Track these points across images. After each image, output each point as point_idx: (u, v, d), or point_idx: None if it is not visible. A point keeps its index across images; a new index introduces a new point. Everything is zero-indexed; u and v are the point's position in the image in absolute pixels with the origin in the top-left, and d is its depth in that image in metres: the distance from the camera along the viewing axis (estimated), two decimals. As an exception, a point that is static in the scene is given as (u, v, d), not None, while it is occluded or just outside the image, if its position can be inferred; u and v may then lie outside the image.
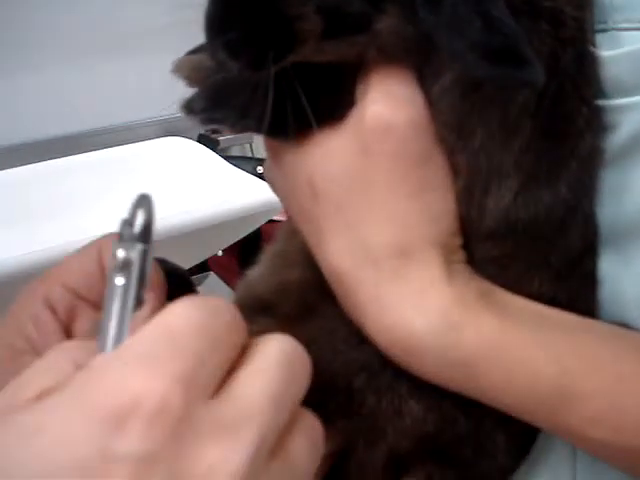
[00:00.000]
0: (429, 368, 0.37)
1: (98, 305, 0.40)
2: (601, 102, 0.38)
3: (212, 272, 1.36)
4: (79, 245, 0.86)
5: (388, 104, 0.36)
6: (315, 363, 0.39)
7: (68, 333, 0.40)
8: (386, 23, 0.34)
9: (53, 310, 0.40)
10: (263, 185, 1.00)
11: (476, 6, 0.31)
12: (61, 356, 0.29)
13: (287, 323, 0.43)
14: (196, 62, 0.42)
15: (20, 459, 0.25)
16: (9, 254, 0.83)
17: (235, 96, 0.37)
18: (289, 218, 0.49)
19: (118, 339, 0.28)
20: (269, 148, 0.41)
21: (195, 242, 0.92)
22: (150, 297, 0.31)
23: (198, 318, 0.27)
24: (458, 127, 0.37)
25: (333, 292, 0.41)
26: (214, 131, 1.59)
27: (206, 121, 0.38)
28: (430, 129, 0.37)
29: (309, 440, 0.28)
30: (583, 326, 0.38)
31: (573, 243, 0.40)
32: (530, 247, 0.39)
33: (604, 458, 0.39)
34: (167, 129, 1.56)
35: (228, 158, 1.35)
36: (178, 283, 0.45)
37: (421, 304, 0.36)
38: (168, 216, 0.90)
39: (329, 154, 0.37)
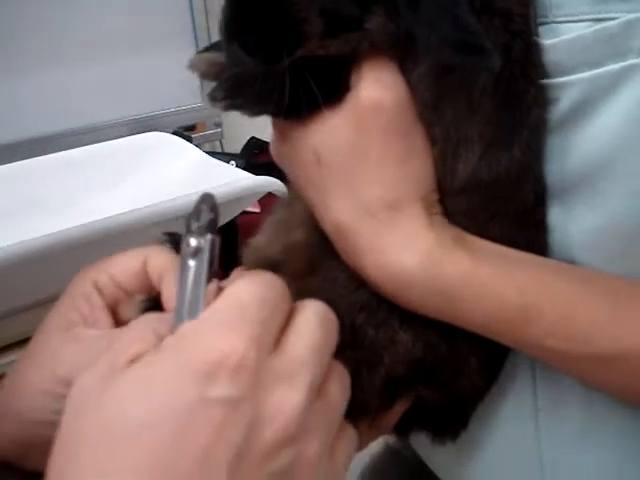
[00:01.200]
0: (417, 299, 0.46)
1: (134, 297, 0.47)
2: (545, 81, 0.46)
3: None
4: (72, 234, 0.90)
5: (378, 88, 0.44)
6: None
7: (112, 312, 0.47)
8: (374, 23, 0.42)
9: (100, 292, 0.47)
10: (242, 175, 1.07)
11: (446, 9, 0.40)
12: (144, 327, 0.36)
13: (295, 278, 0.50)
14: (209, 59, 0.50)
15: (135, 407, 0.31)
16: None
17: (251, 86, 0.45)
18: (288, 192, 0.57)
19: (194, 311, 0.35)
20: (277, 127, 0.49)
21: (181, 226, 0.98)
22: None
23: (260, 291, 0.35)
24: (433, 105, 0.45)
25: (333, 247, 0.49)
26: (186, 129, 1.66)
27: (228, 107, 0.45)
28: (412, 107, 0.45)
29: (341, 385, 0.37)
30: (539, 261, 0.47)
31: (527, 197, 0.48)
32: (493, 201, 0.47)
33: (560, 367, 0.47)
34: (142, 127, 1.62)
35: (202, 153, 1.42)
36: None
37: (410, 246, 0.45)
38: (154, 204, 0.96)
39: (331, 129, 0.45)
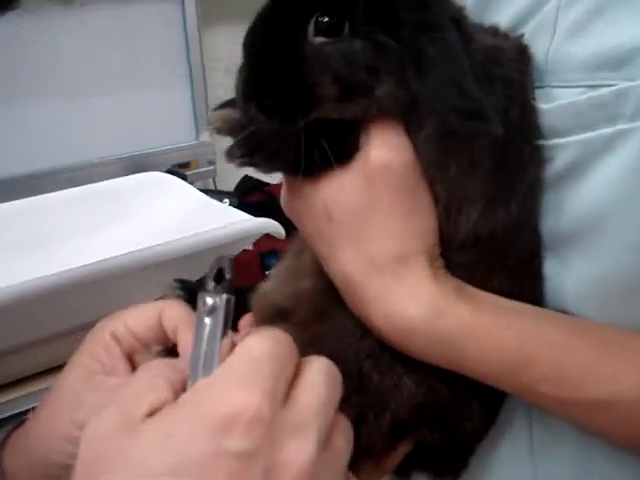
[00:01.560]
0: (421, 347, 0.48)
1: (150, 348, 0.50)
2: (540, 142, 0.49)
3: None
4: (71, 275, 0.92)
5: (386, 149, 0.47)
6: (332, 355, 0.49)
7: (129, 360, 0.50)
8: (383, 90, 0.45)
9: (118, 342, 0.49)
10: (241, 216, 1.09)
11: (452, 78, 0.43)
12: (156, 375, 0.38)
13: (304, 326, 0.53)
14: (225, 116, 0.52)
15: (158, 458, 0.34)
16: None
17: (267, 145, 0.47)
18: (296, 240, 0.59)
19: (209, 366, 0.37)
20: (288, 183, 0.52)
21: (182, 267, 1.00)
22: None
23: (270, 347, 0.37)
24: (438, 165, 0.48)
25: (340, 297, 0.51)
26: (180, 166, 1.68)
27: (245, 164, 0.48)
28: (417, 167, 0.48)
29: (346, 436, 0.39)
30: (535, 312, 0.50)
31: (523, 250, 0.51)
32: (491, 254, 0.50)
33: (555, 412, 0.50)
34: (136, 164, 1.64)
35: (195, 191, 1.44)
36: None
37: (414, 297, 0.47)
38: (154, 245, 0.98)
39: (342, 187, 0.48)
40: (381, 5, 0.46)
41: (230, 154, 0.48)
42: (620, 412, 0.47)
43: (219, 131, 0.52)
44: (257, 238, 1.05)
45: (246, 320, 0.58)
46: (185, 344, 0.47)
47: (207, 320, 0.38)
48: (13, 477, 0.49)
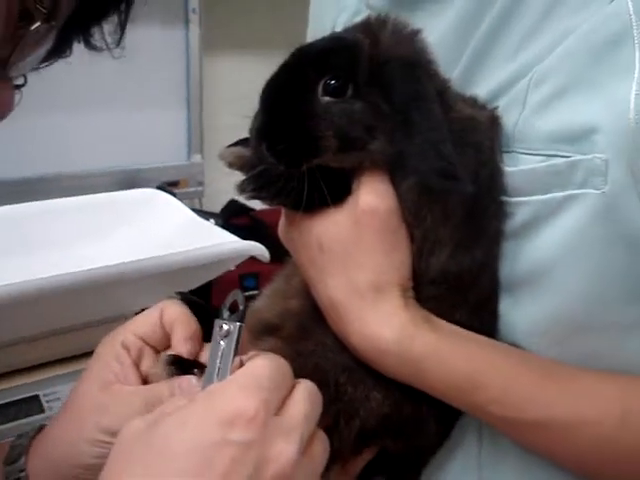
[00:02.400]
0: (391, 365, 0.56)
1: (157, 349, 0.58)
2: (504, 199, 0.57)
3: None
4: (52, 282, 0.96)
5: (374, 195, 0.55)
6: (314, 367, 0.57)
7: (137, 367, 0.58)
8: (376, 145, 0.54)
9: (128, 351, 0.57)
10: (229, 237, 1.16)
11: (434, 143, 0.52)
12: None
13: (289, 341, 0.61)
14: (237, 153, 0.60)
15: (174, 442, 0.43)
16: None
17: (274, 184, 0.56)
18: (286, 266, 0.67)
19: (222, 378, 0.47)
20: (289, 216, 0.60)
21: (168, 282, 1.06)
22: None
23: (271, 369, 0.46)
24: (416, 213, 0.56)
25: (323, 317, 0.59)
26: (170, 184, 1.75)
27: (253, 198, 0.57)
28: (399, 213, 0.56)
29: (323, 447, 0.48)
30: (488, 342, 0.58)
31: (484, 289, 0.59)
32: (456, 291, 0.58)
33: (500, 429, 0.58)
34: (127, 179, 1.70)
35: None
36: (200, 312, 0.61)
37: (388, 322, 0.55)
38: (143, 258, 1.04)
39: (334, 224, 0.56)
40: (380, 74, 0.54)
41: (241, 188, 0.57)
42: (552, 434, 0.55)
43: (231, 165, 0.60)
44: (244, 259, 1.12)
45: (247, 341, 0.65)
46: (178, 338, 0.56)
47: (222, 342, 0.48)
48: (35, 478, 0.57)
